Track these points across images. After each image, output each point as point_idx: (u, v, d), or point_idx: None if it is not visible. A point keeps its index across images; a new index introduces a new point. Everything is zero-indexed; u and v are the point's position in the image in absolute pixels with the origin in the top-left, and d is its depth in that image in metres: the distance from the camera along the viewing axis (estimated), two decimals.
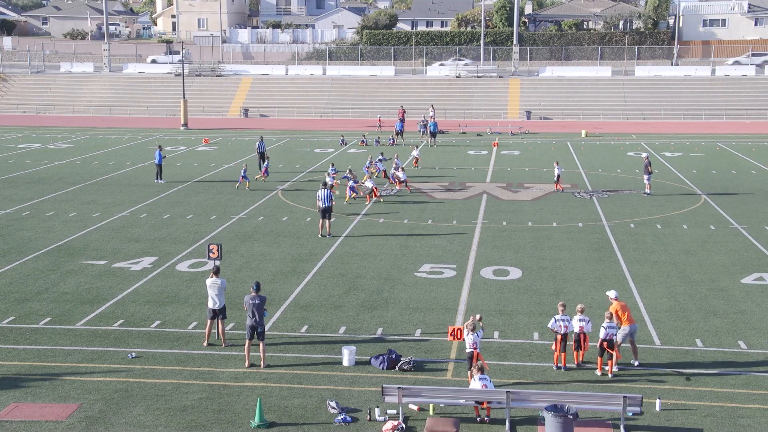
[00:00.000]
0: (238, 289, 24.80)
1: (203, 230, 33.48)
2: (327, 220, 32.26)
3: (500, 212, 37.09)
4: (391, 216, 36.13)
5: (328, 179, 40.08)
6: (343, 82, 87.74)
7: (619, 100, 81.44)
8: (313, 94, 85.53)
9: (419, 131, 64.58)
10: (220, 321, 20.90)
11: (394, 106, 75.29)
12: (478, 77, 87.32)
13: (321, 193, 32.34)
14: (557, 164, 43.64)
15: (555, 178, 42.61)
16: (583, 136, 66.32)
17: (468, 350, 18.56)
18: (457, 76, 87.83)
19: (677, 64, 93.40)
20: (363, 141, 61.76)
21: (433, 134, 61.53)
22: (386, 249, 30.49)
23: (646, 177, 41.16)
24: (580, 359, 19.60)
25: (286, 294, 25.07)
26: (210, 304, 20.85)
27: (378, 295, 24.98)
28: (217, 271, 21.01)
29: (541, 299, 24.59)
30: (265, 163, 45.28)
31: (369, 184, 39.30)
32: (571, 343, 19.68)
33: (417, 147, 51.87)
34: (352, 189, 39.20)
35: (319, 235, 32.24)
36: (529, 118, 78.32)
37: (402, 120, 64.75)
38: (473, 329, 18.72)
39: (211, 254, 22.52)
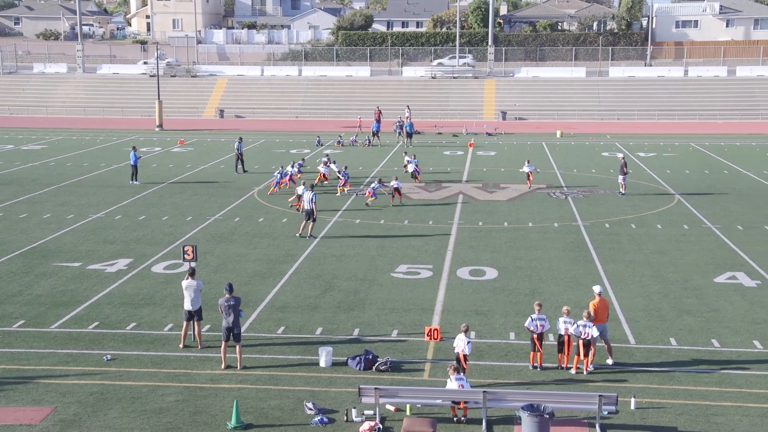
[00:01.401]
0: (214, 290, 24.71)
1: (179, 232, 33.31)
2: (309, 222, 32.14)
3: (476, 213, 37.17)
4: (367, 217, 36.10)
5: (321, 168, 41.60)
6: (319, 83, 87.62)
7: (594, 101, 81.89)
8: (289, 95, 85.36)
9: (395, 132, 64.59)
10: (196, 323, 20.81)
11: (370, 106, 75.30)
12: (454, 78, 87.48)
13: (306, 194, 32.30)
14: (528, 162, 44.58)
15: (526, 176, 43.48)
16: (558, 136, 66.61)
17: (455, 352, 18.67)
18: (432, 77, 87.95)
19: (651, 65, 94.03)
20: (339, 142, 61.67)
21: (409, 135, 61.58)
22: (363, 250, 30.47)
23: (621, 177, 41.39)
24: (565, 363, 19.60)
25: (262, 295, 25.00)
26: (186, 306, 20.76)
27: (354, 296, 24.96)
28: (192, 273, 20.93)
29: (517, 299, 24.67)
30: (280, 176, 42.28)
31: (394, 183, 38.97)
32: (552, 343, 19.73)
33: (405, 153, 51.73)
34: (373, 190, 38.39)
35: (297, 235, 32.13)
36: (504, 118, 78.56)
37: (378, 121, 64.74)
38: (466, 331, 18.78)
39: (186, 256, 22.41)
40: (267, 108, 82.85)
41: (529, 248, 30.78)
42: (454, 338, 19.13)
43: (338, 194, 40.73)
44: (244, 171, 48.00)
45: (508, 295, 25.06)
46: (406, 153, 51.27)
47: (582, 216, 36.36)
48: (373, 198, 38.53)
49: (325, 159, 45.47)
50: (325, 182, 42.98)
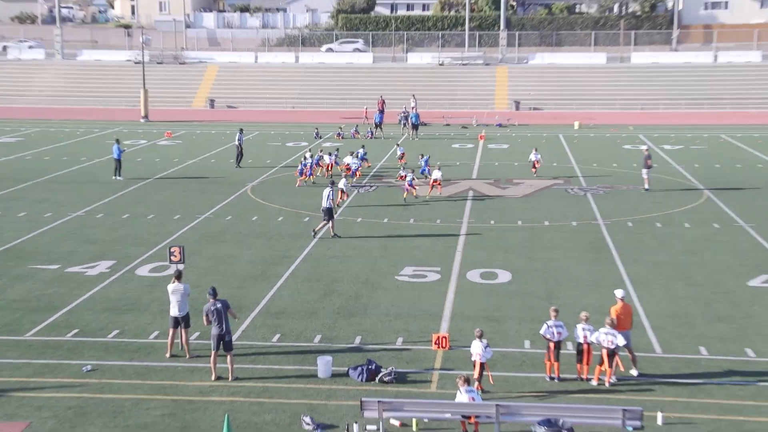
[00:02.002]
0: (204, 295, 24.52)
1: (165, 231, 33.25)
2: (329, 221, 32.17)
3: (487, 210, 37.07)
4: (369, 215, 36.02)
5: (350, 159, 43.13)
6: (317, 71, 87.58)
7: (615, 89, 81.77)
8: (285, 84, 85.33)
9: (400, 123, 64.49)
10: (183, 330, 20.73)
11: (373, 96, 75.23)
12: (463, 65, 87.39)
13: (325, 190, 32.38)
14: (535, 150, 45.97)
15: (531, 165, 45.14)
16: (576, 128, 66.48)
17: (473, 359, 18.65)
18: (440, 64, 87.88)
19: (677, 50, 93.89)
20: (339, 134, 61.60)
21: (415, 126, 61.50)
22: (365, 251, 30.39)
23: (644, 171, 41.28)
24: (584, 374, 19.47)
25: (256, 300, 24.92)
26: (172, 312, 20.68)
27: (356, 301, 24.88)
28: (179, 276, 20.86)
29: (532, 304, 24.57)
30: (313, 159, 43.71)
31: (341, 183, 38.97)
32: (570, 352, 19.63)
33: (398, 144, 51.66)
34: (410, 185, 38.76)
35: (331, 236, 32.09)
36: (518, 108, 78.47)
37: (381, 111, 64.66)
38: (481, 336, 18.72)
39: (173, 257, 22.34)
40: (261, 98, 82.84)
41: (545, 249, 30.68)
42: (469, 346, 19.02)
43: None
44: (238, 166, 47.99)
45: (522, 300, 24.96)
46: (399, 145, 51.32)
47: (602, 214, 36.25)
48: (412, 188, 38.69)
49: (336, 153, 45.88)
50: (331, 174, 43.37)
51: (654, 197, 39.80)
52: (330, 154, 44.84)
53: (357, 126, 63.75)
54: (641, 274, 27.52)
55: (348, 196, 38.75)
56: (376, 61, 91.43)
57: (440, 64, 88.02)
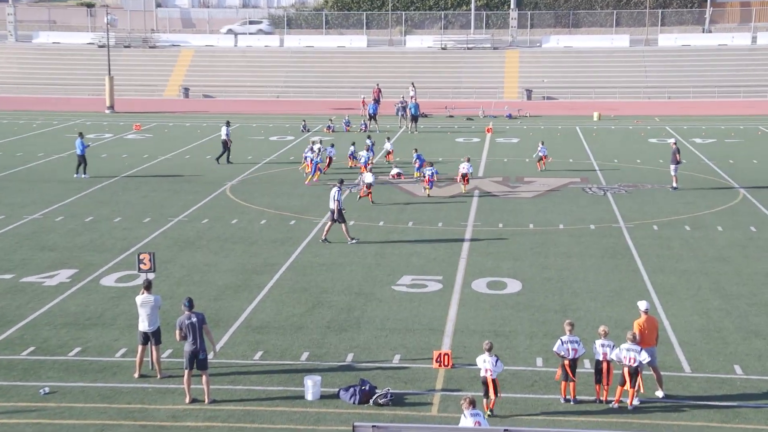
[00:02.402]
0: (177, 307, 24.57)
1: (134, 236, 33.27)
2: (341, 224, 32.40)
3: (495, 212, 37.13)
4: (363, 217, 36.06)
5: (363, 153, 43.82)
6: (305, 56, 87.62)
7: (640, 76, 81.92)
8: (269, 70, 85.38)
9: (397, 115, 64.56)
10: (154, 347, 20.74)
11: (367, 84, 75.29)
12: (468, 49, 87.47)
13: (333, 190, 32.71)
14: (542, 144, 46.70)
15: (537, 158, 46.29)
16: (595, 119, 66.58)
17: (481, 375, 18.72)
18: (442, 48, 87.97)
19: (710, 31, 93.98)
20: (329, 127, 61.64)
21: (414, 118, 61.56)
22: (358, 257, 30.42)
23: (672, 168, 41.38)
24: (604, 395, 19.50)
25: (236, 313, 24.94)
26: (141, 327, 20.68)
27: (348, 314, 24.91)
28: (149, 286, 20.87)
29: (545, 317, 24.61)
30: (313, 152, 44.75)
31: (369, 178, 39.12)
32: (588, 371, 19.66)
33: (389, 139, 51.74)
34: (431, 178, 40.16)
35: (349, 242, 32.23)
36: (529, 98, 78.58)
37: (377, 101, 64.73)
38: (490, 349, 18.77)
39: (142, 265, 22.34)
40: (242, 86, 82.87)
41: (559, 255, 30.73)
42: (474, 364, 19.03)
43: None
44: (227, 161, 48.11)
45: (534, 313, 25.00)
46: (389, 139, 51.37)
47: (624, 216, 36.31)
48: (429, 187, 40.10)
49: (319, 144, 46.29)
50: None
51: (683, 197, 39.88)
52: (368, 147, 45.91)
53: (348, 117, 63.76)
54: (668, 284, 27.57)
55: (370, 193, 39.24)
56: (371, 45, 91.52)
57: (442, 48, 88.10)
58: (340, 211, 32.34)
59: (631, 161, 49.16)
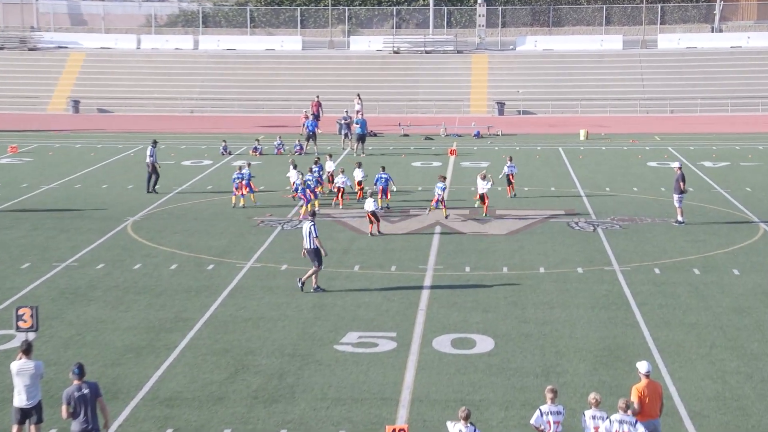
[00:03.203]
0: (63, 375, 24.29)
1: (9, 287, 32.90)
2: (318, 266, 32.43)
3: (461, 253, 37.17)
4: (298, 259, 35.91)
5: (359, 172, 45.51)
6: (225, 61, 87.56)
7: (636, 86, 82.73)
8: (180, 79, 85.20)
9: (340, 133, 64.58)
10: (33, 426, 20.42)
11: (304, 97, 75.36)
12: (426, 52, 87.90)
13: (304, 224, 32.65)
14: (510, 161, 47.56)
15: (507, 180, 47.37)
16: (582, 138, 67.02)
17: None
18: (394, 52, 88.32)
19: (721, 30, 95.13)
20: (256, 149, 61.52)
21: (361, 138, 61.57)
22: (292, 310, 30.28)
23: (676, 198, 41.64)
24: None
25: (139, 382, 24.68)
26: (17, 401, 20.34)
27: (280, 381, 24.76)
28: (28, 350, 20.53)
29: (523, 383, 24.59)
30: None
31: (370, 206, 40.09)
32: None
33: (330, 156, 51.77)
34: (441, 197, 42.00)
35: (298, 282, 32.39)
36: (501, 113, 79.05)
37: (316, 116, 64.74)
38: (467, 417, 18.58)
39: (21, 323, 22.06)
40: (146, 98, 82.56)
41: (540, 306, 30.75)
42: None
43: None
44: (152, 191, 47.98)
45: (509, 377, 24.98)
46: (330, 156, 51.50)
47: (619, 257, 36.47)
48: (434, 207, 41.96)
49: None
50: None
51: (690, 233, 40.14)
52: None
53: (281, 138, 63.62)
54: (674, 341, 27.64)
55: (377, 221, 39.96)
56: (307, 48, 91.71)
57: (395, 52, 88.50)
58: (317, 250, 32.25)
59: (626, 189, 49.47)
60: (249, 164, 47.17)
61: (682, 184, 41.70)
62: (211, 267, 35.29)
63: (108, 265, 35.68)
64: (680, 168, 42.83)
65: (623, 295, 31.96)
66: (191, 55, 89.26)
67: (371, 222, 39.78)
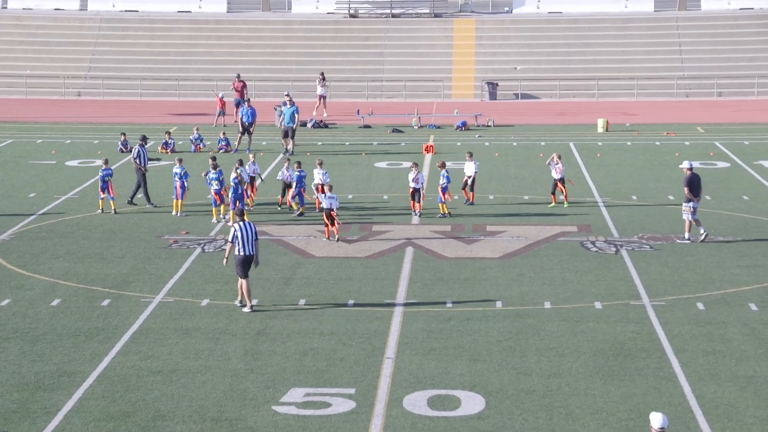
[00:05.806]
0: None
1: None
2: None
3: (441, 282, 37.30)
4: (224, 293, 35.95)
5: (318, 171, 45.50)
6: (125, 27, 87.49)
7: (672, 60, 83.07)
8: (63, 51, 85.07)
9: (278, 124, 64.70)
10: None
11: (229, 75, 75.45)
12: (393, 16, 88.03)
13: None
14: (470, 157, 48.62)
15: (463, 184, 48.23)
16: (600, 130, 67.24)
17: None
18: (351, 15, 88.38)
19: None
20: (166, 144, 61.53)
21: (288, 132, 61.51)
22: (216, 359, 30.32)
23: (687, 210, 41.72)
24: None
25: None
26: None
27: None
28: None
29: None
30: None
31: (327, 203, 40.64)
32: None
33: (321, 164, 52.15)
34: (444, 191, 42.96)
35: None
36: (493, 97, 79.23)
37: (244, 100, 64.81)
38: None
39: None
40: (17, 76, 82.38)
41: (544, 352, 30.89)
42: None
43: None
44: (131, 201, 48.20)
45: None
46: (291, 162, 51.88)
47: (650, 288, 36.67)
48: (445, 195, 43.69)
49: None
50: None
51: (745, 257, 40.38)
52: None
53: (198, 130, 63.62)
54: (723, 398, 27.80)
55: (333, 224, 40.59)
56: (234, 10, 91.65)
57: (351, 16, 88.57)
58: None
59: (659, 198, 49.75)
60: (181, 160, 47.56)
61: (686, 189, 41.82)
62: (106, 303, 35.21)
63: None
64: (690, 169, 42.73)
65: (656, 338, 32.12)
66: (77, 17, 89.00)
67: (326, 225, 39.86)
